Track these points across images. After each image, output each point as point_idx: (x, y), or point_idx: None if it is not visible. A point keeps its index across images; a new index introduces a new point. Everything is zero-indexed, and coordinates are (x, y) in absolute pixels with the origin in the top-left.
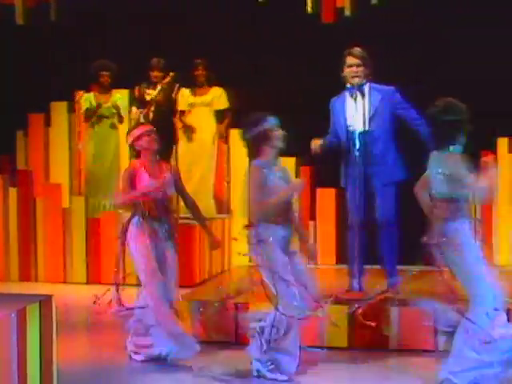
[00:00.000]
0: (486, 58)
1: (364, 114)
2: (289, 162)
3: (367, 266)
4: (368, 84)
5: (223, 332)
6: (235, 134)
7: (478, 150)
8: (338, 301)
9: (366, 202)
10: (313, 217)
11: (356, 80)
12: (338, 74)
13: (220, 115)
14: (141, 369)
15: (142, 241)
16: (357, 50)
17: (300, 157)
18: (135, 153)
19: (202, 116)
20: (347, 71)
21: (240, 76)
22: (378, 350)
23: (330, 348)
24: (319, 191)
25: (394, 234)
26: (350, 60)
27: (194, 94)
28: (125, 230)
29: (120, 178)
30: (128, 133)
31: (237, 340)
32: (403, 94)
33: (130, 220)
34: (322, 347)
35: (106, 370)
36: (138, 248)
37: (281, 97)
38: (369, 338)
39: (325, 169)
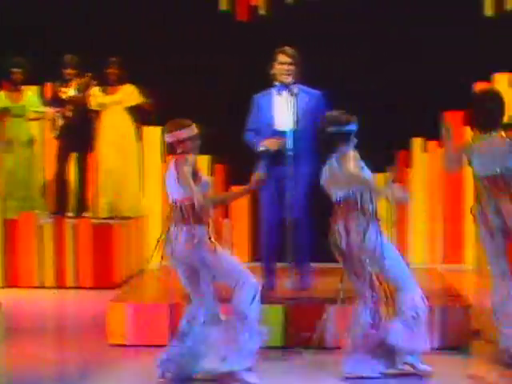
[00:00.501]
0: (402, 60)
1: (292, 114)
2: (203, 161)
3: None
4: (296, 84)
5: (157, 334)
6: (149, 132)
7: (393, 150)
8: (272, 300)
9: (285, 201)
10: (226, 215)
11: (287, 78)
12: (253, 72)
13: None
14: None
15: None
16: (289, 48)
17: (214, 155)
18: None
19: (117, 115)
20: (278, 69)
21: (153, 75)
22: (313, 349)
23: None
24: (233, 189)
25: (308, 233)
26: (281, 58)
27: (105, 92)
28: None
29: (183, 176)
30: (169, 130)
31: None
32: (327, 100)
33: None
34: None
35: None
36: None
37: (194, 95)
38: (303, 337)
39: (239, 167)
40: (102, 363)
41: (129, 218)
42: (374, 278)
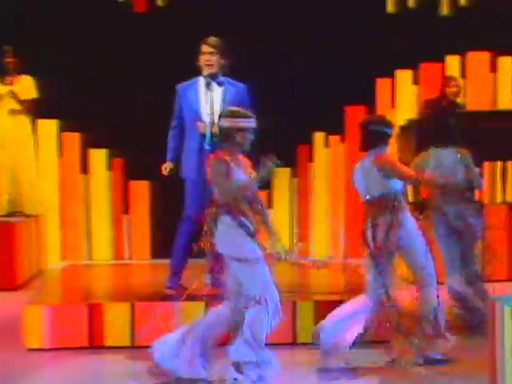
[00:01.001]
0: (305, 55)
1: (218, 106)
2: (100, 155)
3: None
4: (223, 76)
5: (76, 337)
6: (44, 125)
7: (295, 144)
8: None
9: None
10: (126, 210)
11: (210, 69)
12: (151, 63)
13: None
14: None
15: None
16: (212, 38)
17: (111, 149)
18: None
19: (11, 106)
20: (201, 59)
21: (51, 65)
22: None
23: None
24: (132, 184)
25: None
26: (204, 48)
27: (2, 82)
28: None
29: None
30: (233, 116)
31: (91, 344)
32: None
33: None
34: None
35: None
36: None
37: (94, 87)
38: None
39: (137, 161)
40: (21, 369)
41: (30, 215)
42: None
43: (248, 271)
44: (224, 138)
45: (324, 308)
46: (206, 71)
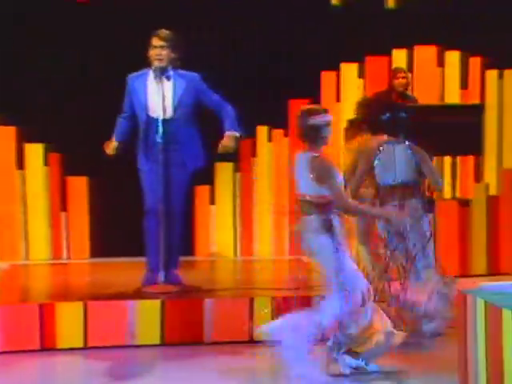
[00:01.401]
0: (247, 47)
1: (169, 100)
2: (36, 149)
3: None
4: (173, 69)
5: (28, 338)
6: None
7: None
8: (145, 295)
9: (164, 189)
10: (64, 208)
11: (159, 63)
12: (99, 55)
13: None
14: None
15: None
16: (163, 31)
17: (48, 143)
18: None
19: None
20: (151, 53)
21: None
22: (192, 345)
23: (141, 346)
24: (70, 180)
25: (184, 222)
26: (154, 42)
27: None
28: None
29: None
30: (318, 113)
31: (42, 346)
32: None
33: None
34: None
35: None
36: None
37: (30, 79)
38: (181, 333)
39: (75, 156)
40: None
41: None
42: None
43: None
44: (314, 134)
45: (282, 304)
46: (155, 65)
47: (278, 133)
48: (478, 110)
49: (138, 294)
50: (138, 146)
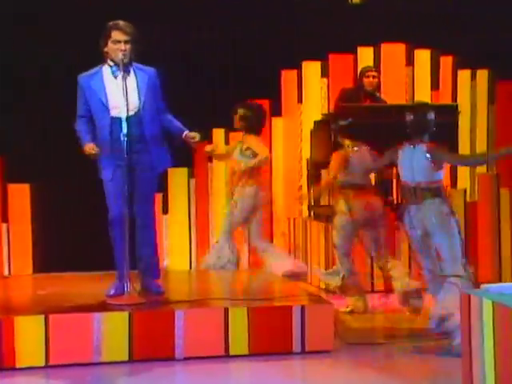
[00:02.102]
0: (204, 47)
1: (133, 97)
2: None
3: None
4: (133, 63)
5: None
6: None
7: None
8: (111, 307)
9: (132, 194)
10: (4, 218)
11: (123, 58)
12: (44, 56)
13: None
14: None
15: None
16: (125, 24)
17: None
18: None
19: None
20: (112, 47)
21: None
22: (163, 361)
23: (109, 363)
24: (11, 188)
25: (154, 229)
26: (117, 36)
27: None
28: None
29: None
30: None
31: (1, 365)
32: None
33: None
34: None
35: None
36: None
37: None
38: (151, 348)
39: (16, 161)
40: None
41: None
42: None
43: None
44: (430, 129)
45: (259, 315)
46: (119, 60)
47: (235, 136)
48: (451, 111)
49: (103, 306)
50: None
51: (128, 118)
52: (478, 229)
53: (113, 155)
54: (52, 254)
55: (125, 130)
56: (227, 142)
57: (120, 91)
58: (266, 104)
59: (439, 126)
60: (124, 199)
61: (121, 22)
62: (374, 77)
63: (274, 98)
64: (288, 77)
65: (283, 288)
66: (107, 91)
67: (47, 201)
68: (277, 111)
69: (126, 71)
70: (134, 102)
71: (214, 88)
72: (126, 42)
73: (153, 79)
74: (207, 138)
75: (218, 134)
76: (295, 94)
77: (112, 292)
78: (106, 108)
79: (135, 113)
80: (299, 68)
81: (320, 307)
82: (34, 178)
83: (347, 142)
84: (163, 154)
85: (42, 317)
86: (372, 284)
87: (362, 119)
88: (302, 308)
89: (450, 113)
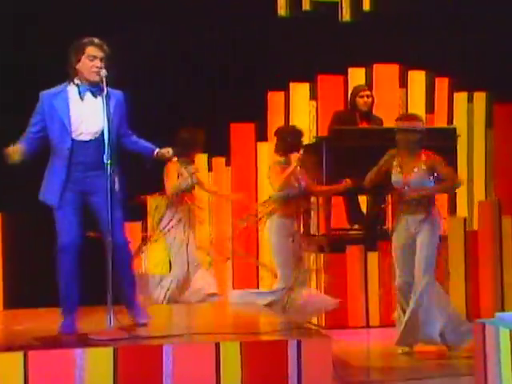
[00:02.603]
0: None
1: (100, 120)
2: None
3: None
4: (101, 85)
5: None
6: None
7: None
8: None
9: (102, 220)
10: None
11: (96, 77)
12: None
13: None
14: None
15: None
16: (99, 40)
17: None
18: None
19: None
20: (87, 64)
21: None
22: None
23: None
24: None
25: (130, 257)
26: (92, 51)
27: None
28: None
29: None
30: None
31: None
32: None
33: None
34: None
35: None
36: None
37: None
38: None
39: None
40: None
41: None
42: None
43: None
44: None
45: (253, 350)
46: (87, 79)
47: (218, 161)
48: (450, 134)
49: (85, 342)
50: (50, 176)
51: (89, 142)
52: (478, 261)
53: (70, 180)
54: (23, 289)
55: (89, 155)
56: (210, 169)
57: (86, 113)
58: (250, 128)
59: (438, 151)
60: (77, 228)
61: (96, 39)
62: (368, 96)
63: (259, 122)
64: (274, 99)
65: (275, 321)
66: (71, 113)
67: (20, 230)
68: (262, 135)
69: (97, 91)
70: (98, 125)
71: (194, 110)
72: (101, 60)
73: (120, 103)
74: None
75: (201, 159)
76: (282, 117)
77: (65, 329)
78: (67, 130)
79: (96, 137)
80: (286, 89)
81: (317, 341)
82: (4, 207)
83: None
84: (123, 179)
85: (21, 353)
86: (367, 319)
87: (359, 142)
88: (298, 342)
89: (448, 137)
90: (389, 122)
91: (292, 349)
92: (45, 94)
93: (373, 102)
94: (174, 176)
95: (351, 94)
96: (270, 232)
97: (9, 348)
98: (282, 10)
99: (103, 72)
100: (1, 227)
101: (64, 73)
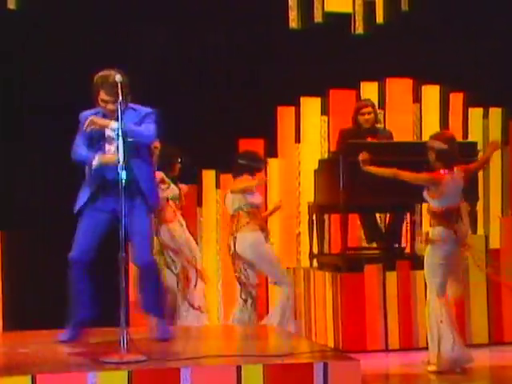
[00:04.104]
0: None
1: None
2: None
3: None
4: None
5: None
6: None
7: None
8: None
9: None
10: None
11: (111, 115)
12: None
13: None
14: None
15: None
16: (112, 79)
17: None
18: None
19: None
20: (101, 105)
21: None
22: None
23: None
24: None
25: (156, 273)
26: (104, 96)
27: None
28: None
29: None
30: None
31: None
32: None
33: None
34: None
35: None
36: None
37: None
38: None
39: None
40: None
41: None
42: None
43: None
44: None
45: (276, 373)
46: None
47: (226, 178)
48: (471, 149)
49: (97, 364)
50: (81, 189)
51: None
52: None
53: (93, 196)
54: (24, 310)
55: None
56: (218, 186)
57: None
58: (260, 144)
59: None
60: (88, 241)
61: (110, 77)
62: (369, 113)
63: (269, 138)
64: (285, 114)
65: (299, 343)
66: (106, 134)
67: (19, 249)
68: (272, 152)
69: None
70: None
71: (203, 126)
72: (113, 103)
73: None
74: (196, 181)
75: (209, 176)
76: (292, 132)
77: (63, 337)
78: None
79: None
80: (297, 104)
81: (345, 364)
82: (5, 225)
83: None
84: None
85: (29, 377)
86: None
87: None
88: (325, 365)
89: (469, 151)
90: (402, 138)
91: (318, 372)
92: (83, 114)
93: (375, 116)
94: None
95: (354, 111)
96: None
97: (15, 371)
98: (293, 22)
99: (118, 77)
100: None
101: None
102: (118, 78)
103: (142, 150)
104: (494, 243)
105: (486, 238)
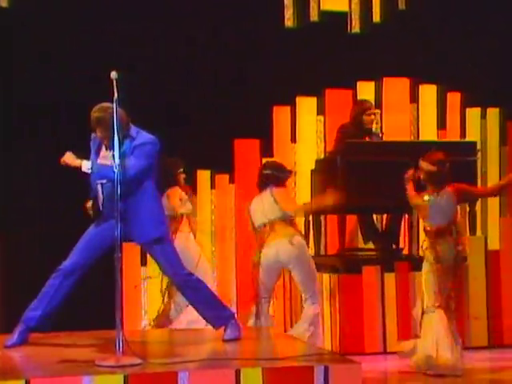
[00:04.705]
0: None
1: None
2: None
3: None
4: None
5: None
6: None
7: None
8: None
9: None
10: None
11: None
12: None
13: None
14: None
15: None
16: (100, 115)
17: None
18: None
19: None
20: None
21: None
22: None
23: None
24: None
25: (199, 282)
26: (98, 131)
27: None
28: None
29: None
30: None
31: None
32: None
33: None
34: None
35: None
36: None
37: None
38: None
39: None
40: None
41: None
42: None
43: None
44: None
45: (276, 377)
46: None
47: (221, 178)
48: (470, 149)
49: (92, 369)
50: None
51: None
52: (501, 282)
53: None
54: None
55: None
56: (213, 187)
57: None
58: (255, 144)
59: (457, 165)
60: (82, 254)
61: (105, 119)
62: (375, 114)
63: (264, 138)
64: (280, 114)
65: (299, 346)
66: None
67: (14, 256)
68: (268, 152)
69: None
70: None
71: (197, 125)
72: (109, 139)
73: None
74: (191, 181)
75: (203, 176)
76: (288, 132)
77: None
78: None
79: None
80: (293, 104)
81: (346, 368)
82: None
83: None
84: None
85: (23, 382)
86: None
87: (374, 156)
88: (326, 368)
89: (468, 151)
90: (399, 138)
91: (318, 376)
92: (94, 136)
93: (377, 119)
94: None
95: (357, 111)
96: None
97: (9, 376)
98: (289, 21)
99: (113, 74)
100: None
101: None
102: (114, 74)
103: (134, 184)
104: (493, 244)
105: (485, 239)
